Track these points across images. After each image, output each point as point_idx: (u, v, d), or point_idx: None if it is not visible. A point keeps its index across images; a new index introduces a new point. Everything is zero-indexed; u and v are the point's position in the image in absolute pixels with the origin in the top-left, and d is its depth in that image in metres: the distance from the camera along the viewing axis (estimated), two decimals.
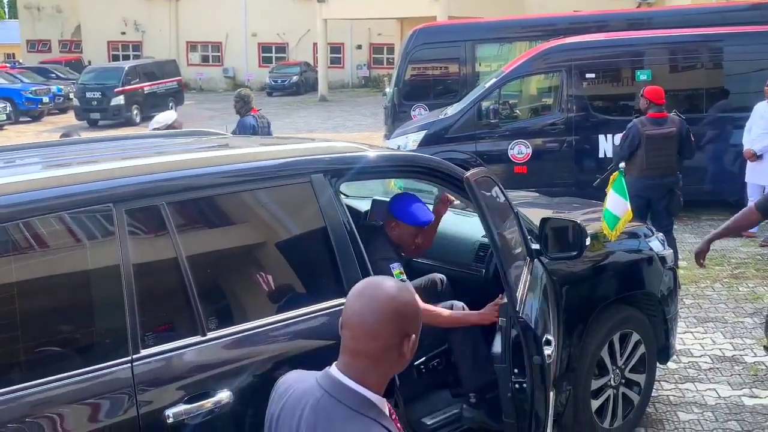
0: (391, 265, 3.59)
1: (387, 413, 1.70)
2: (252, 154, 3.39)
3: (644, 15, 13.18)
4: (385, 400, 1.71)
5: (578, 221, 3.82)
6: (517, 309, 3.12)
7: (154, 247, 2.77)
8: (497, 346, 3.28)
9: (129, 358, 2.54)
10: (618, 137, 9.69)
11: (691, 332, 6.10)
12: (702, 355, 5.67)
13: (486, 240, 4.22)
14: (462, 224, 4.48)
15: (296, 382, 1.80)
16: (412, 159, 3.86)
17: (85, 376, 2.46)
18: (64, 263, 2.59)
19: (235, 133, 8.65)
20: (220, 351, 2.75)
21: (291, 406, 1.74)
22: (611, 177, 4.54)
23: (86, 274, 2.59)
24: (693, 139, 7.25)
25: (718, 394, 5.05)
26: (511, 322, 3.14)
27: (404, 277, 3.60)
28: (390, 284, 1.72)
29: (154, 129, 6.05)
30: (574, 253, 3.80)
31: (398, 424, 1.76)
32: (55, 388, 2.40)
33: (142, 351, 2.57)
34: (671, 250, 5.18)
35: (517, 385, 3.14)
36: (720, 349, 5.77)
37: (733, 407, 4.87)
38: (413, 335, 1.70)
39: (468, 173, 3.22)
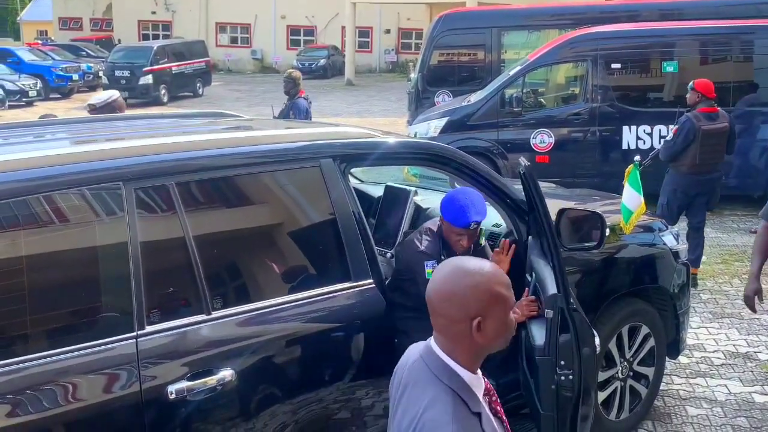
0: (426, 263, 3.52)
1: (478, 391, 1.78)
2: (263, 137, 3.43)
3: (676, 6, 12.95)
4: (481, 378, 1.81)
5: (599, 212, 3.81)
6: (571, 302, 3.11)
7: (162, 226, 2.82)
8: (539, 339, 3.21)
9: (134, 333, 2.60)
10: (642, 129, 9.71)
11: (706, 327, 6.06)
12: (715, 351, 5.63)
13: (496, 229, 4.24)
14: None
15: (415, 346, 1.95)
16: (423, 147, 3.86)
17: (91, 350, 2.52)
18: (73, 239, 2.65)
19: (286, 115, 8.76)
20: (225, 330, 2.80)
21: (401, 365, 1.94)
22: (626, 170, 4.50)
23: (94, 250, 2.64)
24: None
25: (728, 390, 5.02)
26: (564, 313, 3.09)
27: None
28: (474, 267, 1.78)
29: (90, 105, 5.90)
30: (594, 244, 3.79)
31: (498, 406, 1.85)
32: (62, 360, 2.46)
33: (147, 327, 2.63)
34: (685, 245, 5.15)
35: (563, 377, 3.06)
36: (734, 345, 5.72)
37: (743, 404, 4.84)
38: (498, 314, 1.76)
39: (524, 165, 3.32)
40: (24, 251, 2.49)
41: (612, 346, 4.31)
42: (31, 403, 2.38)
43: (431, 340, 1.84)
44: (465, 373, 1.77)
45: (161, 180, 2.77)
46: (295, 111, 8.79)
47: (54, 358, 2.45)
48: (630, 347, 4.42)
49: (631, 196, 4.31)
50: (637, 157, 5.20)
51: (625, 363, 4.41)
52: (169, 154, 2.88)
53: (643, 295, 4.51)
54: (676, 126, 6.93)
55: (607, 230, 3.97)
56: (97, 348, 2.53)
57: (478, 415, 1.73)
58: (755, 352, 5.58)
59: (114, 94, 6.13)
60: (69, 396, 2.46)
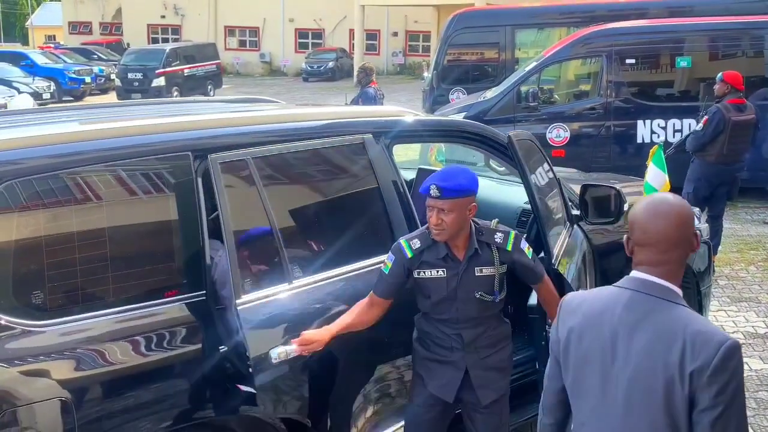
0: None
1: None
2: (309, 114, 3.63)
3: (684, 3, 13.12)
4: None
5: (618, 188, 3.98)
6: (553, 262, 3.32)
7: (245, 199, 2.99)
8: (533, 299, 3.43)
9: (204, 292, 2.78)
10: (656, 123, 9.87)
11: (725, 311, 6.22)
12: (735, 332, 5.79)
13: (528, 206, 4.41)
14: (504, 191, 4.66)
15: (587, 296, 2.12)
16: (457, 124, 4.05)
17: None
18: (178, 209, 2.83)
19: (357, 103, 9.42)
20: (306, 297, 2.98)
21: (594, 314, 2.02)
22: (651, 151, 4.67)
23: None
24: None
25: (749, 366, 5.18)
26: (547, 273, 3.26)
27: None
28: (673, 198, 2.03)
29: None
30: (612, 218, 3.97)
31: None
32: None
33: (242, 296, 2.79)
34: (706, 225, 5.30)
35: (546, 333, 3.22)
36: (753, 327, 5.89)
37: (764, 378, 5.00)
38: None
39: (511, 133, 3.42)
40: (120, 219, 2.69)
41: None
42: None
43: (636, 275, 1.99)
44: (679, 291, 1.98)
45: (242, 153, 2.93)
46: (363, 99, 9.47)
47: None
48: None
49: (656, 175, 4.49)
50: (662, 140, 5.36)
51: None
52: (244, 127, 3.07)
53: None
54: (706, 116, 7.08)
55: (626, 205, 4.13)
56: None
57: None
58: None
59: (28, 100, 6.31)
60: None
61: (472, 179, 3.02)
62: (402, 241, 3.08)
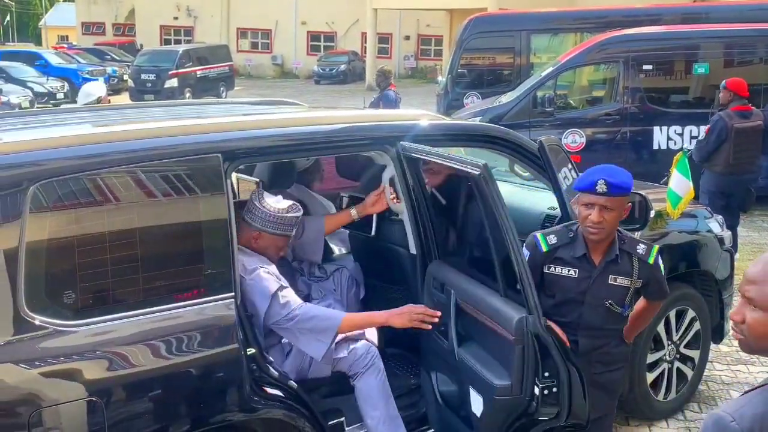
0: None
1: None
2: (336, 118, 3.65)
3: (697, 10, 13.12)
4: None
5: (643, 194, 3.96)
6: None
7: None
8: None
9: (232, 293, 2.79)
10: (673, 130, 9.83)
11: None
12: None
13: (552, 212, 4.40)
14: (529, 196, 4.64)
15: (755, 413, 1.70)
16: (483, 129, 4.04)
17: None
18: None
19: (377, 106, 9.52)
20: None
21: None
22: (675, 158, 4.65)
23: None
24: None
25: None
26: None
27: None
28: None
29: (85, 104, 6.09)
30: (638, 225, 3.94)
31: None
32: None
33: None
34: (729, 232, 5.26)
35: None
36: None
37: None
38: None
39: (543, 138, 3.41)
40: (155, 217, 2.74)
41: (660, 329, 4.44)
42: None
43: None
44: None
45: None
46: (384, 102, 9.53)
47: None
48: (677, 330, 4.55)
49: (680, 182, 4.46)
50: (686, 146, 5.33)
51: (672, 345, 4.54)
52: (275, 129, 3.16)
53: (689, 279, 4.65)
54: (708, 125, 7.00)
55: (652, 212, 4.10)
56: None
57: None
58: None
59: (102, 86, 6.38)
60: None
61: (630, 178, 2.93)
62: (538, 234, 3.02)
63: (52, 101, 24.32)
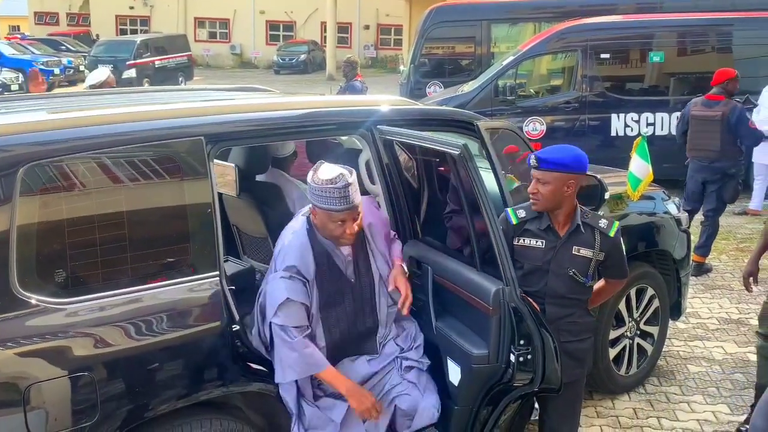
0: None
1: None
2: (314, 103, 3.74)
3: (655, 0, 13.41)
4: None
5: (599, 177, 4.10)
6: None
7: None
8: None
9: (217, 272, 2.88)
10: (630, 117, 10.11)
11: (699, 297, 6.44)
12: (709, 318, 6.01)
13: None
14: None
15: None
16: (459, 114, 4.15)
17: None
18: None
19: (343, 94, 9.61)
20: None
21: None
22: (635, 142, 4.84)
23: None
24: (754, 125, 7.18)
25: (725, 350, 5.40)
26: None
27: None
28: None
29: (90, 86, 6.41)
30: (593, 206, 4.09)
31: None
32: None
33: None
34: (686, 214, 5.46)
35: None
36: (726, 313, 6.11)
37: (739, 362, 5.21)
38: None
39: (481, 121, 3.53)
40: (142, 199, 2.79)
41: (621, 306, 4.64)
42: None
43: None
44: None
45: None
46: (350, 92, 9.65)
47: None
48: (637, 307, 4.75)
49: (640, 166, 4.65)
50: (644, 131, 5.52)
51: (633, 322, 4.74)
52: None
53: (648, 258, 4.85)
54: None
55: (607, 194, 4.24)
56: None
57: None
58: (746, 318, 5.97)
59: (106, 72, 6.59)
60: None
61: (574, 158, 3.10)
62: (509, 210, 3.23)
63: (6, 93, 23.84)
